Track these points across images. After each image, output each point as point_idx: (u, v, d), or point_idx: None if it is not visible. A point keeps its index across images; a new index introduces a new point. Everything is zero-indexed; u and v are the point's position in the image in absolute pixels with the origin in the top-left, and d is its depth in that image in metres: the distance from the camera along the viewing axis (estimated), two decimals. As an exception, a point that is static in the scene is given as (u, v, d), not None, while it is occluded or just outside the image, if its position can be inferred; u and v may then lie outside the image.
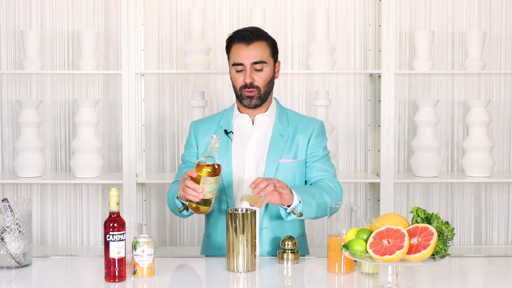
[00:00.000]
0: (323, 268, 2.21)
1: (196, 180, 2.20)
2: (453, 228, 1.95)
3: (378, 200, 3.54)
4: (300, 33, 3.75)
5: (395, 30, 3.44)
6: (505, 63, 3.76)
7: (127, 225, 2.12)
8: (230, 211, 2.16)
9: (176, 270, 2.24)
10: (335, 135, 3.71)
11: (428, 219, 1.97)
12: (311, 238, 3.64)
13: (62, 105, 3.75)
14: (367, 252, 1.93)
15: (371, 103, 3.74)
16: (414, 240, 1.90)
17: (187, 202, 2.26)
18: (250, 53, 2.44)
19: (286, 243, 2.28)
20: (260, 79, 2.45)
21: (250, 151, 2.48)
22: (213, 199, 2.25)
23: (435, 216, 1.95)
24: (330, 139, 3.38)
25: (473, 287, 2.14)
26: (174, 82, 3.76)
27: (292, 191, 2.30)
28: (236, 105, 2.56)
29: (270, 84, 2.49)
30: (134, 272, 2.10)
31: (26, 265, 2.23)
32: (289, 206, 2.31)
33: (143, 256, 2.08)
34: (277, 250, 2.33)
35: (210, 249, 2.54)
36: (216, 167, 2.20)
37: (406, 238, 1.89)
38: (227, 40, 2.50)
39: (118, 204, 2.06)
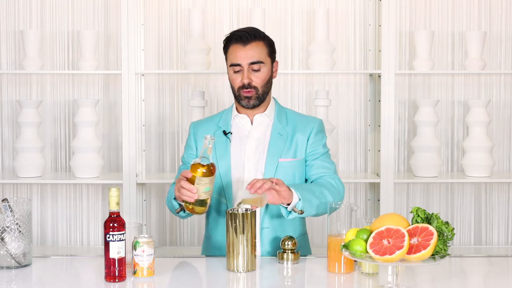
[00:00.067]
0: (323, 268, 2.21)
1: (191, 181, 2.20)
2: (453, 228, 1.95)
3: (378, 200, 3.54)
4: (300, 33, 3.75)
5: (395, 30, 3.44)
6: (505, 63, 3.76)
7: (127, 225, 2.12)
8: (230, 211, 2.16)
9: (176, 270, 2.24)
10: (335, 135, 3.71)
11: (428, 219, 1.97)
12: (311, 238, 3.62)
13: (62, 105, 3.75)
14: (367, 252, 1.93)
15: (371, 103, 3.74)
16: (414, 240, 1.90)
17: (184, 203, 2.27)
18: (247, 53, 2.44)
19: (286, 243, 2.28)
20: (258, 79, 2.45)
21: (249, 151, 2.48)
22: (209, 199, 2.26)
23: (435, 216, 1.95)
24: (330, 139, 3.38)
25: (473, 287, 2.14)
26: (174, 82, 3.76)
27: (291, 189, 2.29)
28: (234, 106, 2.57)
29: (268, 84, 2.49)
30: (134, 272, 2.10)
31: (26, 265, 2.23)
32: (289, 204, 2.31)
33: (143, 256, 2.08)
34: (277, 250, 2.33)
35: (210, 250, 2.54)
36: (211, 167, 2.20)
37: (406, 238, 1.89)
38: (224, 40, 2.51)
39: (118, 204, 2.06)
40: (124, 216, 3.33)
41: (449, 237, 1.93)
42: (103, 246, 2.07)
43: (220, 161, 2.47)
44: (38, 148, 3.48)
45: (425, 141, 3.53)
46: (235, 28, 2.68)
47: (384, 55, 3.44)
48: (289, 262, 2.28)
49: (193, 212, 2.26)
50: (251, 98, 2.46)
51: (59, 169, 3.77)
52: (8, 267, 2.20)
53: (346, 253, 1.99)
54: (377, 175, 3.60)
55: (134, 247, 2.09)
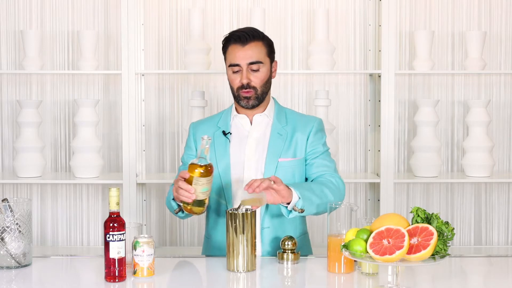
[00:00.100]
0: (323, 268, 2.21)
1: (189, 181, 2.20)
2: (453, 228, 1.95)
3: (378, 200, 3.54)
4: (300, 33, 3.75)
5: (395, 30, 3.44)
6: (505, 63, 3.76)
7: (127, 225, 2.12)
8: (230, 211, 2.16)
9: (176, 270, 2.24)
10: (335, 135, 3.71)
11: (428, 219, 1.97)
12: (311, 238, 3.62)
13: (62, 105, 3.75)
14: (367, 252, 1.93)
15: (371, 103, 3.74)
16: (414, 240, 1.90)
17: (182, 204, 2.27)
18: (246, 53, 2.44)
19: (286, 243, 2.28)
20: (256, 79, 2.45)
21: (249, 151, 2.48)
22: (207, 199, 2.26)
23: (435, 216, 1.95)
24: (330, 139, 3.38)
25: (473, 287, 2.14)
26: (174, 82, 3.76)
27: (290, 188, 2.29)
28: (234, 106, 2.57)
29: (267, 84, 2.49)
30: (134, 272, 2.10)
31: (26, 265, 2.23)
32: (289, 204, 2.30)
33: (143, 256, 2.08)
34: (277, 250, 2.33)
35: (210, 250, 2.54)
36: (209, 168, 2.20)
37: (406, 238, 1.89)
38: (223, 41, 2.51)
39: (118, 204, 2.06)
40: (124, 216, 3.33)
41: (449, 237, 1.93)
42: (103, 246, 2.07)
43: (219, 162, 2.47)
44: (38, 148, 3.48)
45: (425, 141, 3.53)
46: (235, 28, 2.68)
47: (384, 55, 3.44)
48: (289, 262, 2.28)
49: (191, 212, 2.27)
50: (250, 98, 2.46)
51: (59, 169, 3.77)
52: (8, 267, 2.20)
53: (346, 253, 1.99)
54: (377, 175, 3.60)
55: (134, 247, 2.09)
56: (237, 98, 2.49)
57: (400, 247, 1.88)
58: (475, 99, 3.74)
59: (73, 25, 3.73)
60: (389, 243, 1.90)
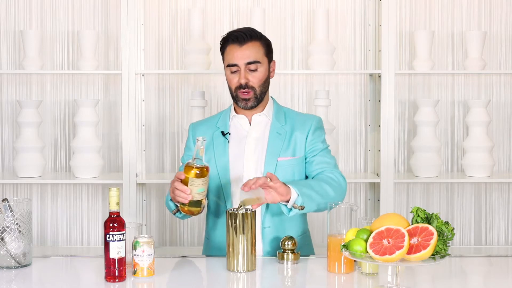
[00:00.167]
0: (323, 268, 2.21)
1: (185, 182, 2.21)
2: (453, 228, 1.95)
3: (378, 200, 3.54)
4: (300, 33, 3.75)
5: (395, 30, 3.44)
6: (505, 63, 3.76)
7: (127, 225, 2.12)
8: (230, 211, 2.16)
9: (176, 270, 2.24)
10: (335, 135, 3.71)
11: (428, 219, 1.97)
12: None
13: (62, 105, 3.75)
14: (367, 252, 1.93)
15: (371, 103, 3.74)
16: (414, 240, 1.90)
17: (179, 204, 2.27)
18: (243, 53, 2.44)
19: (286, 243, 2.28)
20: (255, 79, 2.45)
21: (249, 151, 2.48)
22: (204, 200, 2.27)
23: (435, 216, 1.95)
24: (330, 139, 3.38)
25: (473, 287, 2.14)
26: (174, 82, 3.76)
27: (289, 185, 2.28)
28: (233, 106, 2.57)
29: (265, 84, 2.49)
30: (134, 272, 2.10)
31: (26, 265, 2.23)
32: (288, 202, 2.30)
33: (143, 256, 2.08)
34: (277, 250, 2.33)
35: (210, 250, 2.54)
36: (204, 169, 2.20)
37: (406, 238, 1.89)
38: (221, 41, 2.51)
39: (118, 204, 2.06)
40: (124, 216, 3.33)
41: (449, 237, 1.93)
42: (103, 246, 2.07)
43: (218, 162, 2.48)
44: (38, 148, 3.48)
45: (425, 141, 3.53)
46: (235, 28, 2.68)
47: (384, 55, 3.44)
48: (289, 262, 2.28)
49: (188, 213, 2.27)
50: (249, 100, 2.46)
51: (59, 169, 3.77)
52: (8, 267, 2.20)
53: (346, 253, 1.99)
54: (377, 175, 3.60)
55: (134, 247, 2.09)
56: (235, 99, 2.49)
57: (400, 247, 1.88)
58: (475, 99, 3.74)
59: (73, 25, 3.73)
60: (389, 243, 1.90)
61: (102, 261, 2.14)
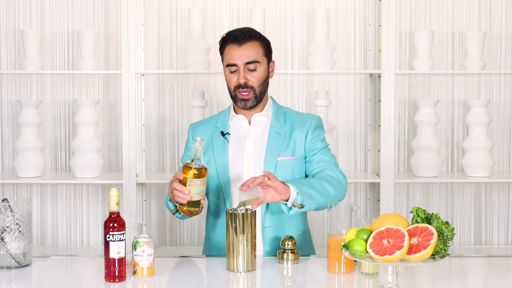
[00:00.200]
0: (323, 268, 2.21)
1: (183, 182, 2.21)
2: (453, 228, 1.95)
3: (378, 200, 3.54)
4: (300, 33, 3.75)
5: (395, 30, 3.44)
6: (505, 63, 3.76)
7: (127, 225, 2.12)
8: (230, 211, 2.16)
9: (176, 270, 2.24)
10: (335, 135, 3.71)
11: (428, 219, 1.97)
12: (311, 238, 3.64)
13: (62, 105, 3.75)
14: (367, 252, 1.93)
15: (371, 103, 3.74)
16: (414, 240, 1.90)
17: (178, 205, 2.27)
18: (242, 53, 2.44)
19: (286, 243, 2.28)
20: (254, 79, 2.45)
21: (248, 151, 2.48)
22: (202, 200, 2.27)
23: (435, 216, 1.95)
24: (330, 139, 3.38)
25: (473, 287, 2.14)
26: (174, 82, 3.76)
27: (287, 184, 2.28)
28: (232, 106, 2.57)
29: (264, 83, 2.49)
30: (134, 272, 2.10)
31: (26, 265, 2.23)
32: (288, 201, 2.29)
33: (143, 256, 2.08)
34: (277, 250, 2.33)
35: (210, 250, 2.54)
36: (202, 169, 2.20)
37: (406, 238, 1.89)
38: (220, 41, 2.51)
39: (118, 204, 2.06)
40: (124, 216, 3.33)
41: (449, 237, 1.93)
42: (103, 246, 2.07)
43: (218, 162, 2.48)
44: (38, 148, 3.48)
45: (425, 141, 3.53)
46: (235, 28, 2.68)
47: (384, 55, 3.44)
48: (289, 262, 2.27)
49: (187, 213, 2.27)
50: (248, 100, 2.46)
51: (59, 169, 3.77)
52: (8, 267, 2.20)
53: (346, 253, 1.99)
54: (377, 175, 3.60)
55: (134, 247, 2.09)
56: (234, 99, 2.49)
57: (400, 247, 1.88)
58: (475, 99, 3.74)
59: (73, 25, 3.73)
60: (389, 243, 1.90)
61: (102, 261, 2.14)
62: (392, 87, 3.45)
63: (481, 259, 2.44)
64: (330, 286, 2.10)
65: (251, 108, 2.49)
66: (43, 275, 2.20)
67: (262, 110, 2.53)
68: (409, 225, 1.97)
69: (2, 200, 2.22)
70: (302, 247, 2.49)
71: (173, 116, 3.76)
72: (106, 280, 2.07)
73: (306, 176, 2.51)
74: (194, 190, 2.21)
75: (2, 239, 2.19)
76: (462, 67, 3.74)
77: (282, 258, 2.28)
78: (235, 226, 2.14)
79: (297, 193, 2.27)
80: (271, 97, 2.59)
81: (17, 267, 2.21)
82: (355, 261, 2.14)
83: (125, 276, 2.08)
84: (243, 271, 2.15)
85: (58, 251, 3.67)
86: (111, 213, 2.06)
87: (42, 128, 3.71)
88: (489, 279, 2.22)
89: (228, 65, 2.47)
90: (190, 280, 2.14)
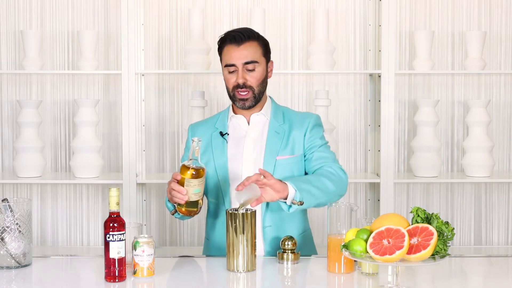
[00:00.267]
0: (323, 268, 2.21)
1: (181, 183, 2.21)
2: (453, 228, 1.95)
3: (378, 200, 3.54)
4: (300, 33, 3.75)
5: (395, 30, 3.44)
6: (505, 63, 3.76)
7: (127, 225, 2.12)
8: (230, 211, 2.16)
9: (176, 270, 2.24)
10: (335, 135, 3.71)
11: (428, 219, 1.97)
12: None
13: (62, 105, 3.75)
14: (367, 252, 1.93)
15: (371, 103, 3.74)
16: (414, 240, 1.90)
17: (176, 205, 2.27)
18: (241, 53, 2.44)
19: (286, 243, 2.28)
20: (252, 79, 2.45)
21: (247, 151, 2.48)
22: (201, 201, 2.26)
23: (435, 216, 1.95)
24: (330, 139, 3.37)
25: (473, 287, 2.14)
26: (174, 82, 3.76)
27: (285, 182, 2.27)
28: (231, 107, 2.57)
29: (263, 83, 2.49)
30: (134, 272, 2.10)
31: (26, 265, 2.23)
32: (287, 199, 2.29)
33: (143, 256, 2.09)
34: (277, 250, 2.33)
35: (210, 250, 2.54)
36: (200, 169, 2.20)
37: (406, 238, 1.89)
38: (218, 41, 2.51)
39: (118, 204, 2.07)
40: (124, 216, 3.33)
41: (449, 237, 1.93)
42: (103, 246, 2.07)
43: (217, 163, 2.48)
44: (38, 148, 3.48)
45: (425, 141, 3.53)
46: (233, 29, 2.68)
47: (384, 55, 3.44)
48: (289, 262, 2.27)
49: (185, 213, 2.27)
50: (247, 100, 2.46)
51: (59, 169, 3.77)
52: (8, 267, 2.20)
53: (346, 253, 1.99)
54: (377, 175, 3.60)
55: (134, 247, 2.09)
56: (233, 99, 2.49)
57: (400, 247, 1.88)
58: (475, 99, 3.74)
59: (73, 25, 3.73)
60: (389, 243, 1.90)
61: (102, 261, 2.14)
62: (392, 87, 3.45)
63: (481, 259, 2.44)
64: (330, 286, 2.10)
65: (249, 108, 2.49)
66: (43, 275, 2.20)
67: (260, 110, 2.53)
68: (409, 225, 1.97)
69: (2, 200, 2.22)
70: (303, 246, 2.49)
71: (173, 116, 3.76)
72: (106, 280, 2.07)
73: (306, 174, 2.51)
74: (192, 190, 2.21)
75: (2, 239, 2.19)
76: (462, 67, 3.75)
77: (282, 258, 2.28)
78: (235, 226, 2.14)
79: (296, 190, 2.26)
80: (270, 97, 2.59)
81: (17, 267, 2.21)
82: (355, 261, 2.14)
83: (125, 276, 2.08)
84: (243, 271, 2.15)
85: (58, 251, 3.67)
86: (111, 213, 2.06)
87: (42, 128, 3.71)
88: (489, 279, 2.22)
89: (226, 65, 2.47)
90: (190, 280, 2.14)
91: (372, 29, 3.72)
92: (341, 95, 3.76)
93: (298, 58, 3.75)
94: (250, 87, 2.45)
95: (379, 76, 3.52)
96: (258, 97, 2.48)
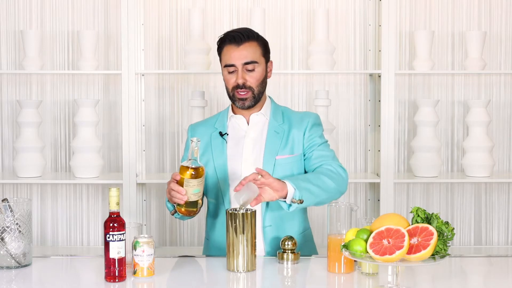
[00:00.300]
0: (323, 268, 2.21)
1: (180, 183, 2.21)
2: (453, 228, 1.95)
3: (378, 200, 3.54)
4: (300, 33, 3.75)
5: (395, 30, 3.44)
6: (505, 63, 3.76)
7: (127, 225, 2.12)
8: (230, 211, 2.16)
9: (176, 270, 2.24)
10: (335, 135, 3.71)
11: (428, 219, 1.97)
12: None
13: (62, 105, 3.75)
14: (367, 252, 1.93)
15: (371, 103, 3.74)
16: (414, 240, 1.90)
17: (176, 205, 2.28)
18: (241, 53, 2.44)
19: (286, 243, 2.28)
20: (252, 79, 2.45)
21: (247, 151, 2.48)
22: (200, 201, 2.27)
23: (435, 216, 1.95)
24: (330, 139, 3.38)
25: (473, 287, 2.14)
26: (174, 82, 3.76)
27: (284, 181, 2.27)
28: (231, 107, 2.57)
29: (263, 83, 2.49)
30: (134, 272, 2.10)
31: (26, 265, 2.23)
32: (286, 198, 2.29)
33: (143, 256, 2.09)
34: (277, 250, 2.33)
35: (210, 250, 2.54)
36: (199, 169, 2.20)
37: (406, 238, 1.89)
38: (218, 42, 2.51)
39: (118, 204, 2.07)
40: (124, 216, 3.33)
41: (449, 237, 1.93)
42: (103, 246, 2.07)
43: (216, 163, 2.48)
44: (38, 148, 3.48)
45: (425, 141, 3.53)
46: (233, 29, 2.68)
47: (384, 55, 3.44)
48: (289, 262, 2.28)
49: (185, 214, 2.27)
50: (247, 99, 2.46)
51: (59, 169, 3.77)
52: (8, 267, 2.20)
53: (346, 253, 1.99)
54: (377, 175, 3.60)
55: (134, 247, 2.09)
56: (232, 99, 2.49)
57: (400, 247, 1.88)
58: (475, 99, 3.74)
59: (73, 25, 3.73)
60: (389, 243, 1.90)
61: (102, 261, 2.14)
62: (392, 87, 3.45)
63: (481, 259, 2.44)
64: (330, 286, 2.10)
65: (249, 107, 2.49)
66: (43, 275, 2.20)
67: (260, 110, 2.53)
68: (409, 225, 1.97)
69: (2, 200, 2.22)
70: (304, 245, 2.49)
71: (173, 116, 3.76)
72: (106, 280, 2.07)
73: (306, 173, 2.51)
74: (191, 190, 2.21)
75: (2, 239, 2.19)
76: (462, 67, 3.75)
77: (282, 258, 2.28)
78: (235, 226, 2.14)
79: (295, 189, 2.26)
80: (269, 97, 2.59)
81: (17, 267, 2.21)
82: (355, 261, 2.14)
83: (125, 276, 2.08)
84: (243, 271, 2.15)
85: (58, 251, 3.67)
86: (111, 213, 2.06)
87: (42, 128, 3.71)
88: (489, 279, 2.22)
89: (226, 66, 2.47)
90: (190, 280, 2.14)
91: (372, 29, 3.72)
92: (341, 95, 3.76)
93: (298, 58, 3.75)
94: (250, 87, 2.46)
95: (379, 76, 3.52)
96: (257, 97, 2.48)
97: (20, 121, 3.47)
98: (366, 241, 1.95)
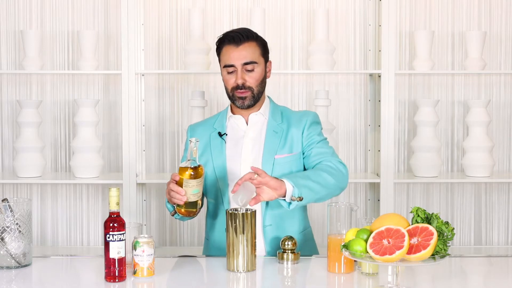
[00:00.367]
0: (323, 268, 2.21)
1: (180, 183, 2.21)
2: (453, 228, 1.95)
3: (378, 200, 3.54)
4: (300, 33, 3.75)
5: (395, 30, 3.44)
6: (505, 63, 3.76)
7: (127, 225, 2.12)
8: (230, 211, 2.16)
9: (176, 270, 2.24)
10: (335, 135, 3.71)
11: (428, 219, 1.97)
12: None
13: (62, 105, 3.75)
14: (367, 252, 1.93)
15: (371, 103, 3.74)
16: (414, 240, 1.90)
17: (175, 206, 2.28)
18: (240, 54, 2.44)
19: (286, 243, 2.28)
20: (251, 80, 2.45)
21: (246, 151, 2.48)
22: (200, 201, 2.26)
23: (435, 216, 1.95)
24: (330, 139, 3.38)
25: (473, 287, 2.14)
26: (174, 82, 3.76)
27: (282, 179, 2.26)
28: (229, 107, 2.57)
29: (262, 83, 2.50)
30: (134, 272, 2.10)
31: (26, 265, 2.23)
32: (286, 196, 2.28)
33: (143, 256, 2.09)
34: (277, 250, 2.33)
35: (210, 250, 2.54)
36: (198, 170, 2.20)
37: (406, 238, 1.89)
38: (217, 42, 2.51)
39: (118, 204, 2.07)
40: (124, 216, 3.33)
41: (449, 237, 1.93)
42: (103, 246, 2.07)
43: (216, 163, 2.48)
44: (38, 148, 3.48)
45: (425, 141, 3.53)
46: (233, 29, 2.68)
47: (384, 55, 3.44)
48: (289, 262, 2.28)
49: (185, 214, 2.27)
50: (246, 98, 2.46)
51: (59, 169, 3.77)
52: (8, 267, 2.20)
53: (346, 253, 1.99)
54: (377, 175, 3.60)
55: (134, 247, 2.09)
56: (232, 99, 2.49)
57: (400, 247, 1.88)
58: (475, 99, 3.74)
59: (73, 25, 3.73)
60: (389, 243, 1.90)
61: (102, 261, 2.14)
62: (392, 87, 3.45)
63: (481, 259, 2.44)
64: (330, 286, 2.10)
65: (249, 107, 2.49)
66: (43, 275, 2.20)
67: (259, 110, 2.53)
68: (409, 225, 1.97)
69: (2, 200, 2.22)
70: (304, 244, 2.49)
71: (173, 116, 3.76)
72: (106, 280, 2.07)
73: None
74: (191, 191, 2.21)
75: (2, 239, 2.19)
76: (462, 67, 3.75)
77: (282, 258, 2.28)
78: (235, 226, 2.14)
79: (293, 187, 2.25)
80: (268, 97, 2.59)
81: (17, 267, 2.21)
82: (355, 261, 2.14)
83: (125, 276, 2.08)
84: (243, 271, 2.15)
85: (58, 251, 3.67)
86: (111, 213, 2.06)
87: (42, 128, 3.71)
88: (489, 279, 2.22)
89: (225, 66, 2.47)
90: (190, 280, 2.14)
91: (372, 29, 3.72)
92: (341, 95, 3.76)
93: (298, 58, 3.75)
94: (249, 88, 2.46)
95: (379, 76, 3.52)
96: (257, 97, 2.48)
97: (20, 121, 3.47)
98: (366, 241, 1.95)
